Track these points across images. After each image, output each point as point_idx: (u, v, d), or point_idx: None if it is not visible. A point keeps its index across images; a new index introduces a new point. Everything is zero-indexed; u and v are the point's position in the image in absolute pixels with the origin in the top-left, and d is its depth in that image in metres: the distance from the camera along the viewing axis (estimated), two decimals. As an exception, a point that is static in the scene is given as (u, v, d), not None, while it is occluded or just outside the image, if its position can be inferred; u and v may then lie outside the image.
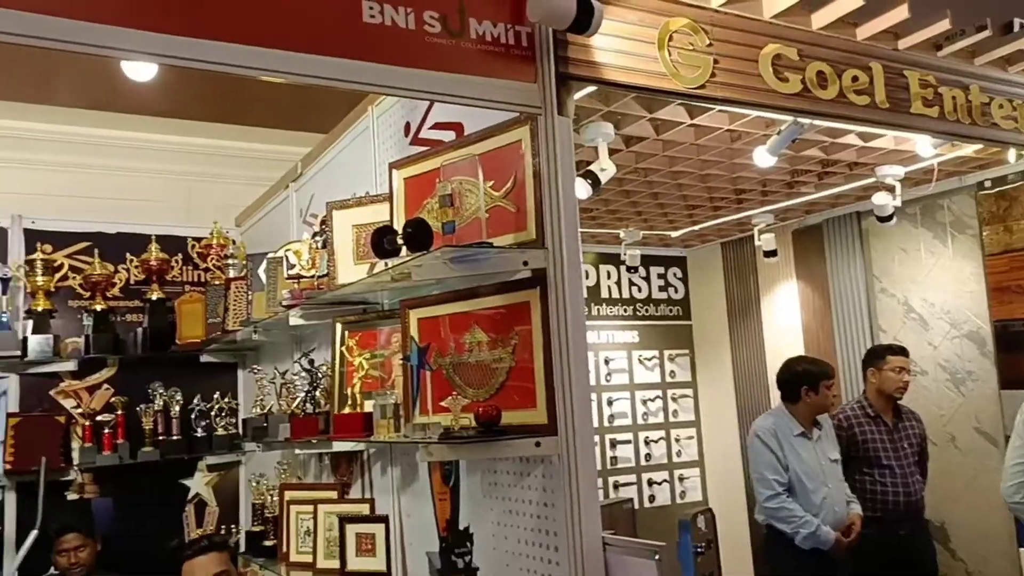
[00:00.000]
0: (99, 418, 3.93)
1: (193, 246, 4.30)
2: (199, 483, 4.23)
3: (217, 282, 4.15)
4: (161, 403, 4.06)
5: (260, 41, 1.67)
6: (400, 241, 2.10)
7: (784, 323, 4.70)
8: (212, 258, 4.18)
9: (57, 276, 3.96)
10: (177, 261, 4.28)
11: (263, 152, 4.75)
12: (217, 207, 4.43)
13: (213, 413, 4.16)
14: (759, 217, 4.36)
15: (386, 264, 2.18)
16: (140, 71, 3.10)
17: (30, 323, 3.87)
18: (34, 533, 3.29)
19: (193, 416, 4.13)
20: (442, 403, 2.03)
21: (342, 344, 2.62)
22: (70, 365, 3.96)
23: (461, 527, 2.20)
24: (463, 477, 2.31)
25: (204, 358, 4.19)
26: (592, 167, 2.71)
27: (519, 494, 2.07)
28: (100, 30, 1.55)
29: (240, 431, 4.16)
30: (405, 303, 2.31)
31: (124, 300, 4.19)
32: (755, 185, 3.83)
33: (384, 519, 2.67)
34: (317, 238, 2.65)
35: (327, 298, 2.54)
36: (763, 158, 2.91)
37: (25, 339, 3.80)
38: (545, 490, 1.97)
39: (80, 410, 3.97)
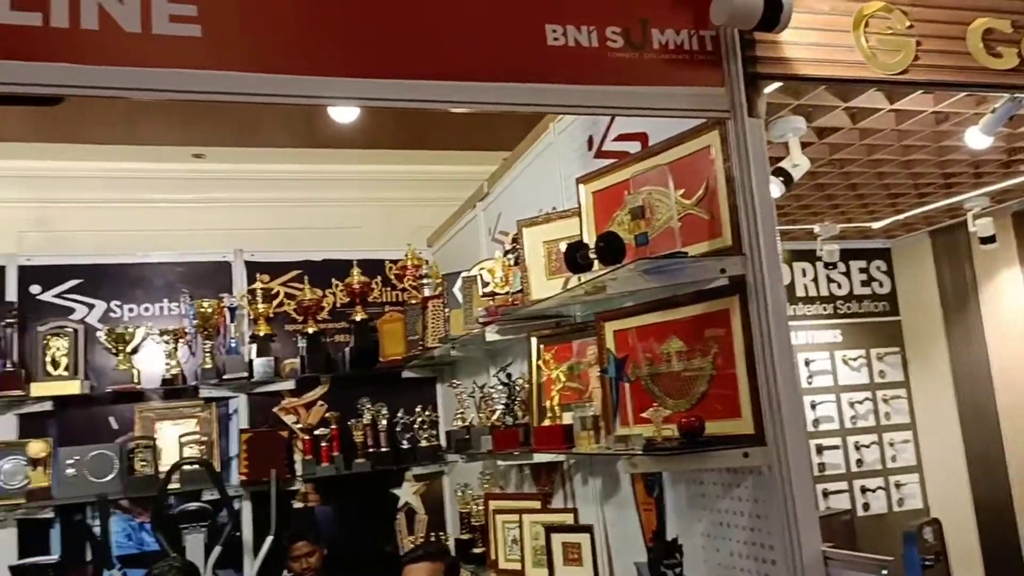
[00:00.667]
0: (316, 432, 4.24)
1: (390, 268, 4.55)
2: (407, 492, 4.47)
3: (414, 301, 4.36)
4: (369, 417, 4.32)
5: (450, 75, 1.75)
6: (592, 255, 2.12)
7: (1009, 315, 4.29)
8: (408, 279, 4.39)
9: (274, 303, 4.31)
10: (377, 283, 4.54)
11: (451, 173, 4.94)
12: (411, 229, 4.66)
13: (416, 426, 4.37)
14: (973, 201, 4.00)
15: (579, 278, 2.20)
16: (344, 113, 3.33)
17: (254, 347, 4.23)
18: (269, 539, 3.58)
19: (398, 429, 4.37)
20: (643, 414, 2.03)
21: (538, 358, 2.68)
22: (289, 384, 4.30)
23: (669, 538, 2.17)
24: (667, 488, 2.29)
25: (405, 374, 4.42)
26: (783, 164, 2.61)
27: (728, 505, 2.03)
28: (310, 82, 1.69)
29: (442, 443, 4.36)
30: (600, 316, 2.33)
31: (332, 322, 4.49)
32: (966, 168, 3.53)
33: (589, 529, 2.70)
34: (509, 256, 2.72)
35: (522, 314, 2.60)
36: (977, 139, 2.69)
37: (251, 362, 4.16)
38: (756, 501, 1.92)
39: (299, 425, 4.31)
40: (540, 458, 2.81)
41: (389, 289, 4.61)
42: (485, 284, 2.78)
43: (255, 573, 3.69)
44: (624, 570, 2.56)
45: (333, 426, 4.26)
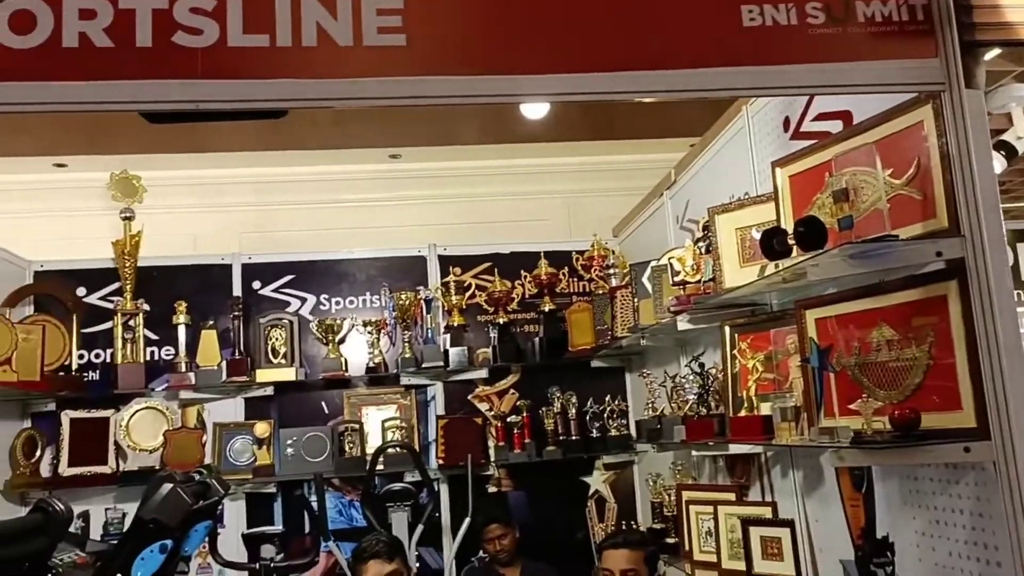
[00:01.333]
0: (509, 419, 4.37)
1: (576, 259, 4.60)
2: (598, 481, 4.51)
3: (601, 292, 4.39)
4: (559, 406, 4.40)
5: (642, 65, 1.75)
6: (791, 241, 2.06)
7: None
8: (595, 269, 4.43)
9: (467, 295, 4.49)
10: (564, 274, 4.60)
11: (636, 163, 4.93)
12: (596, 220, 4.70)
13: (606, 415, 4.41)
14: None
15: (776, 265, 2.14)
16: (535, 109, 3.41)
17: (448, 337, 4.42)
18: (467, 522, 3.74)
19: (588, 418, 4.42)
20: (850, 406, 1.94)
21: (732, 347, 2.62)
22: (482, 373, 4.46)
23: (879, 536, 2.07)
24: (877, 482, 2.18)
25: (594, 363, 4.45)
26: (1006, 136, 2.40)
27: (946, 502, 1.90)
28: (506, 81, 1.75)
29: (632, 432, 4.37)
30: (800, 303, 2.25)
31: (521, 313, 4.60)
32: None
33: (790, 523, 2.62)
34: (699, 244, 2.69)
35: (714, 302, 2.57)
36: None
37: (446, 351, 4.35)
38: (979, 499, 1.79)
39: (492, 412, 4.46)
40: (736, 449, 2.75)
41: (576, 280, 4.67)
42: (675, 273, 2.76)
43: (453, 552, 3.86)
44: (829, 567, 2.46)
45: (525, 414, 4.38)
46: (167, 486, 2.79)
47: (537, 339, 4.48)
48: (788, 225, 2.22)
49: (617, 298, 3.67)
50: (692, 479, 3.43)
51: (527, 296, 4.61)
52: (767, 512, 2.77)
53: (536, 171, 4.99)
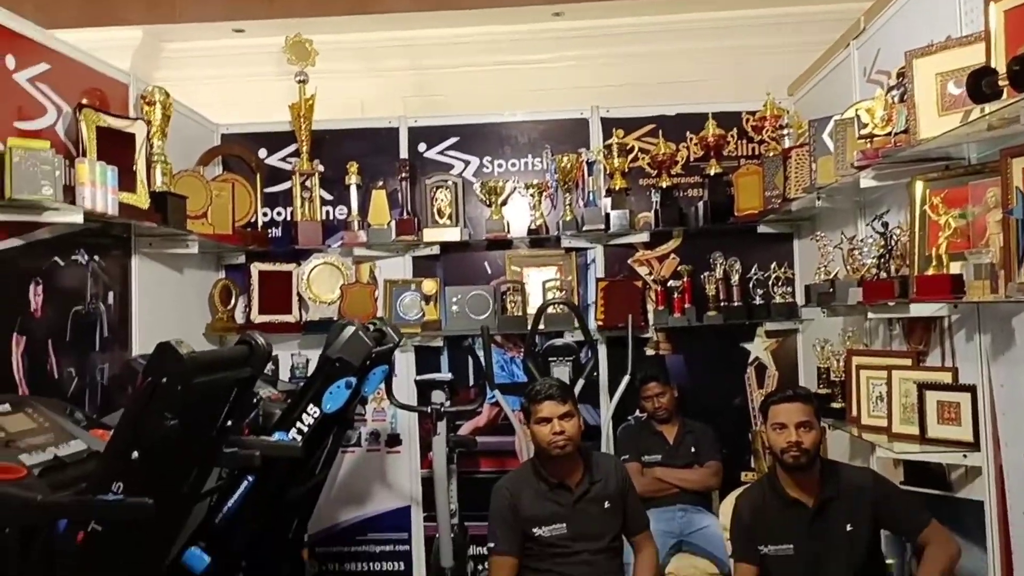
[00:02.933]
0: (669, 284, 4.35)
1: (747, 120, 4.39)
2: (759, 347, 4.46)
3: (772, 154, 4.20)
4: (721, 271, 4.33)
5: None
6: (1002, 82, 1.87)
7: None
8: (767, 130, 4.21)
9: (629, 157, 4.41)
10: (732, 136, 4.42)
11: (812, 15, 4.58)
12: (767, 79, 4.42)
13: (771, 282, 4.31)
14: None
15: (982, 110, 1.96)
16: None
17: (609, 201, 4.40)
18: (626, 379, 3.82)
19: (751, 284, 4.33)
20: (1059, 260, 1.80)
21: (923, 203, 2.46)
22: (643, 237, 4.43)
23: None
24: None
25: (761, 228, 4.31)
26: None
27: None
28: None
29: (797, 299, 4.26)
30: (1007, 151, 2.06)
31: (685, 176, 4.49)
32: None
33: (971, 388, 2.51)
34: (892, 93, 2.49)
35: (906, 155, 2.40)
36: None
37: (607, 215, 4.34)
38: None
39: (652, 277, 4.45)
40: (917, 311, 2.62)
41: (745, 142, 4.48)
42: (863, 126, 2.59)
43: (611, 410, 3.96)
44: (1012, 431, 2.35)
45: (685, 279, 4.34)
46: (350, 329, 3.02)
47: (701, 203, 4.38)
48: (999, 67, 2.01)
49: (792, 159, 3.50)
50: (864, 345, 3.32)
51: (692, 159, 4.48)
52: (946, 377, 2.65)
53: (704, 27, 4.73)
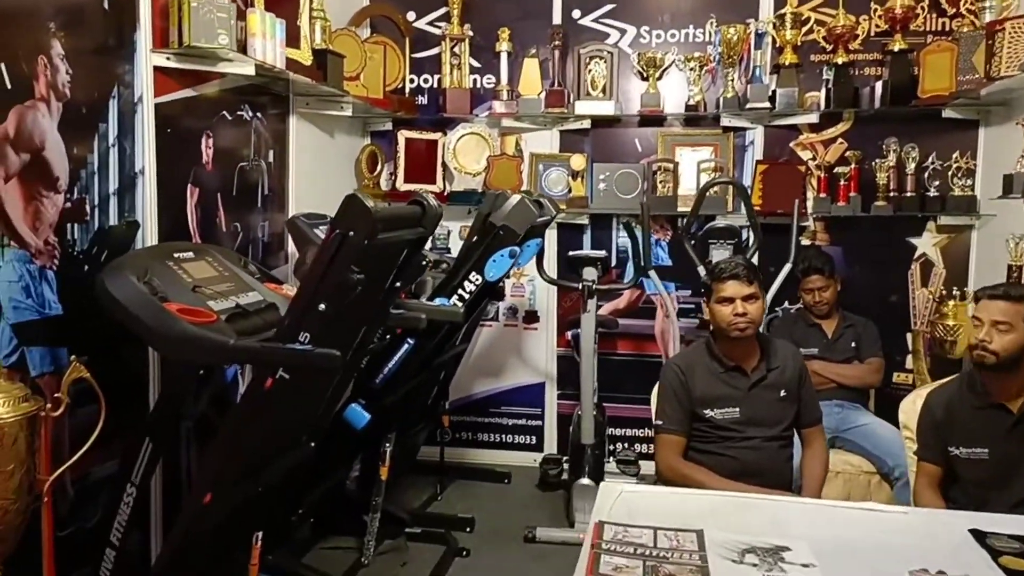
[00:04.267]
0: (836, 170, 4.06)
1: (942, -10, 3.95)
2: (927, 243, 4.16)
3: (967, 29, 3.79)
4: (894, 159, 4.01)
5: None
6: None
7: None
8: (966, 2, 3.78)
9: (803, 30, 4.06)
10: (923, 7, 4.00)
11: None
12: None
13: (950, 173, 3.97)
14: None
15: None
16: None
17: (776, 77, 4.09)
18: (787, 268, 3.62)
19: (926, 174, 4.00)
20: None
21: None
22: (811, 118, 4.12)
23: None
24: None
25: (946, 113, 3.93)
26: None
27: None
28: None
29: (977, 193, 3.92)
30: None
31: (863, 53, 4.12)
32: None
33: None
34: None
35: None
36: None
37: (774, 92, 4.04)
38: None
39: (816, 162, 4.16)
40: None
41: (934, 16, 4.04)
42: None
43: (770, 299, 3.74)
44: None
45: (853, 165, 4.04)
46: (516, 197, 2.93)
47: (879, 83, 4.01)
48: None
49: (1006, 31, 3.11)
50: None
51: (872, 34, 4.09)
52: None
53: None
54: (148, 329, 2.11)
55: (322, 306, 2.07)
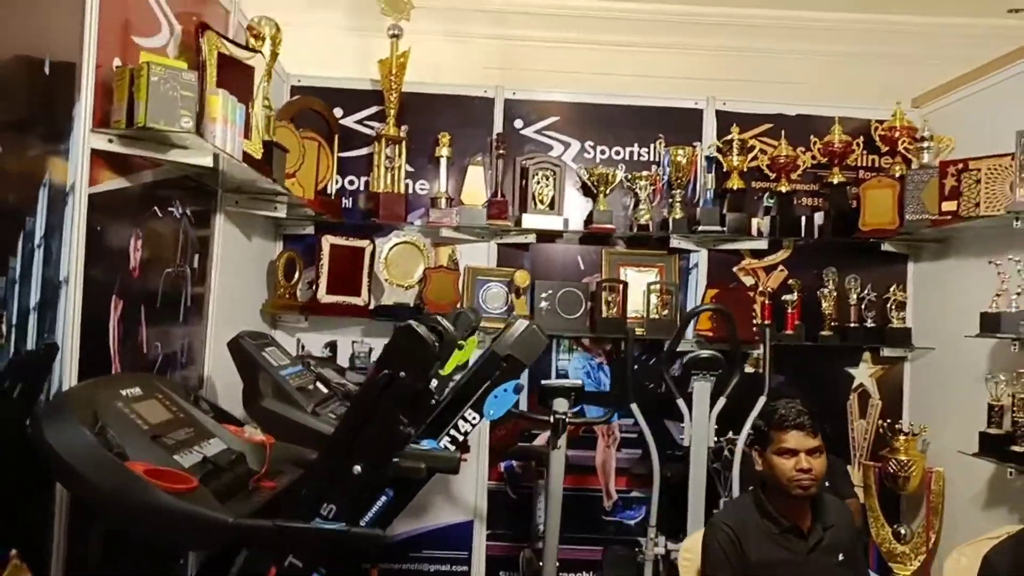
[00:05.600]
0: (783, 297, 4.00)
1: (875, 128, 4.08)
2: (864, 374, 4.15)
3: (898, 169, 3.93)
4: (834, 288, 4.01)
5: None
6: None
7: None
8: (903, 142, 3.91)
9: (749, 156, 4.04)
10: (858, 144, 4.10)
11: (943, 27, 4.31)
12: (895, 89, 4.13)
13: (889, 305, 4.01)
14: None
15: None
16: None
17: (725, 201, 4.03)
18: (762, 400, 3.43)
19: (863, 305, 4.02)
20: None
21: None
22: (759, 244, 4.06)
23: None
24: None
25: (885, 247, 4.00)
26: None
27: None
28: None
29: (910, 325, 3.98)
30: None
31: (800, 183, 4.16)
32: None
33: None
34: None
35: None
36: None
37: (723, 216, 3.96)
38: None
39: (759, 288, 4.09)
40: None
41: (866, 153, 4.17)
42: None
43: (744, 436, 3.50)
44: None
45: (797, 293, 4.00)
46: (523, 323, 2.55)
47: (819, 213, 4.04)
48: None
49: (982, 171, 3.16)
50: (1047, 384, 3.03)
51: (809, 166, 4.14)
52: None
53: (831, 27, 4.39)
54: (110, 501, 1.55)
55: (358, 468, 1.59)
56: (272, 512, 1.65)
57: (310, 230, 3.97)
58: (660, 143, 4.09)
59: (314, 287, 3.87)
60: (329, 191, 3.94)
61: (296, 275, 3.89)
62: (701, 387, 3.32)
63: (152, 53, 2.37)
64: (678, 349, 3.78)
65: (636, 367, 3.97)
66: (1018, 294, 3.03)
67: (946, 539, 3.74)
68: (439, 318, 2.09)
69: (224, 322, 3.13)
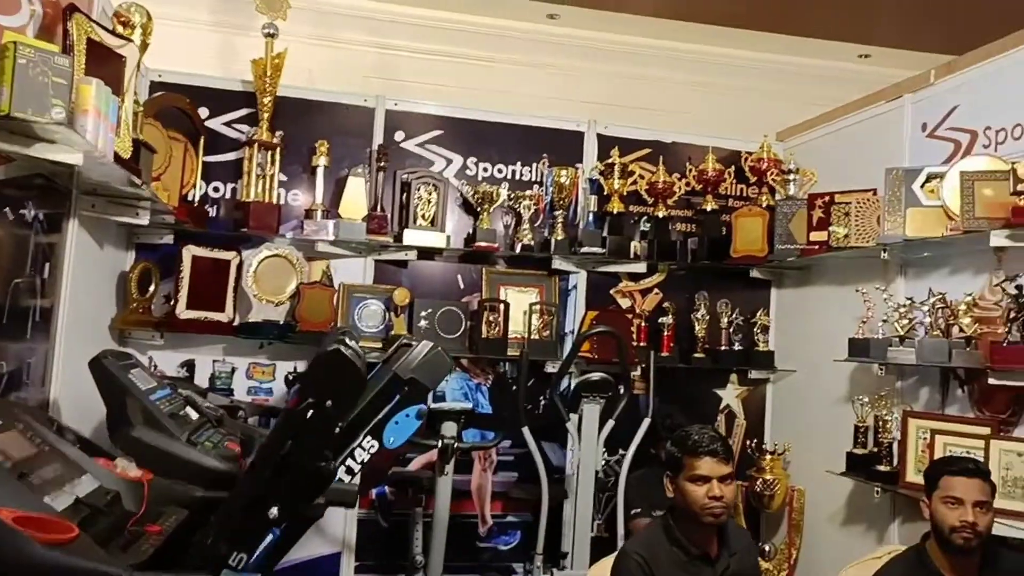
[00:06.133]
0: (660, 320, 4.07)
1: (745, 159, 4.24)
2: (731, 395, 4.29)
3: (764, 199, 4.10)
4: (706, 312, 4.12)
5: None
6: None
7: None
8: (771, 174, 4.08)
9: (629, 180, 4.09)
10: (729, 174, 4.25)
11: (804, 67, 4.57)
12: (754, 122, 4.34)
13: (756, 328, 4.16)
14: None
15: None
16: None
17: (607, 224, 4.06)
18: (646, 423, 3.45)
19: (731, 329, 4.16)
20: None
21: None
22: (640, 267, 4.11)
23: None
24: None
25: (754, 273, 4.16)
26: None
27: None
28: None
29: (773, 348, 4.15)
30: None
31: (675, 209, 4.25)
32: None
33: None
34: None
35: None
36: None
37: (605, 238, 3.99)
38: None
39: (635, 311, 4.14)
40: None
41: (735, 182, 4.33)
42: (1020, 180, 2.45)
43: (630, 457, 3.50)
44: None
45: (671, 316, 4.08)
46: (427, 344, 2.42)
47: (694, 240, 4.15)
48: None
49: (854, 204, 3.33)
50: (909, 406, 3.22)
51: (683, 192, 4.25)
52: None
53: (699, 60, 4.55)
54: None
55: (274, 511, 1.41)
56: (168, 562, 1.43)
57: (168, 239, 3.63)
58: (544, 163, 4.07)
59: (172, 301, 3.54)
60: (192, 198, 3.62)
61: (151, 288, 3.54)
62: (591, 410, 3.29)
63: (11, 33, 2.07)
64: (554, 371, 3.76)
65: (515, 388, 3.91)
66: (884, 321, 3.20)
67: (806, 555, 3.91)
68: (346, 339, 1.92)
69: (73, 340, 2.78)
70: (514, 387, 3.93)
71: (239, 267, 3.66)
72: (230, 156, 3.78)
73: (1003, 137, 2.90)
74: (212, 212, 3.77)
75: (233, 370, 3.77)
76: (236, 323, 3.66)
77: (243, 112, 3.79)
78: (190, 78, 3.76)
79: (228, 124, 3.81)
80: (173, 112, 3.59)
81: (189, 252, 3.56)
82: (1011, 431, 2.80)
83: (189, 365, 3.72)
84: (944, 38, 4.42)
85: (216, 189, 3.79)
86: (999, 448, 2.69)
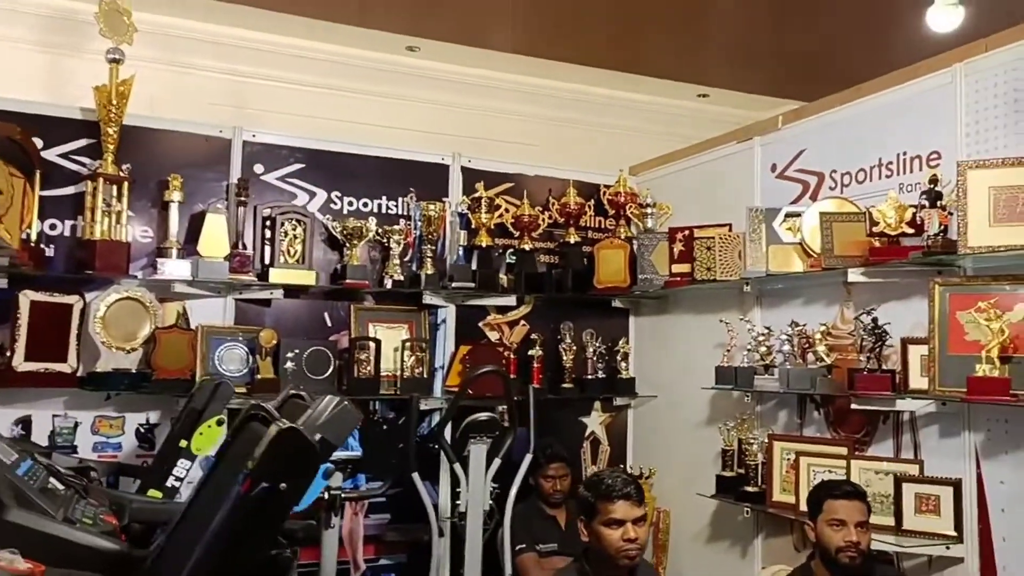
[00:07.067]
0: (530, 352, 4.10)
1: (603, 192, 4.39)
2: (595, 422, 4.41)
3: (623, 232, 4.25)
4: (572, 343, 4.21)
5: None
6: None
7: None
8: (630, 207, 4.25)
9: (495, 214, 4.12)
10: (589, 207, 4.38)
11: (649, 104, 4.80)
12: (628, 158, 4.51)
13: (619, 357, 4.30)
14: None
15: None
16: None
17: (476, 258, 4.05)
18: (528, 458, 3.46)
19: (593, 358, 4.27)
20: None
21: (943, 305, 2.61)
22: (509, 300, 4.13)
23: None
24: None
25: (616, 303, 4.30)
26: None
27: None
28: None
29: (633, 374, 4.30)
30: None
31: (539, 241, 4.32)
32: None
33: (955, 483, 2.69)
34: (923, 197, 2.63)
35: (954, 258, 2.54)
36: None
37: (475, 272, 3.98)
38: None
39: (504, 343, 4.16)
40: (906, 407, 2.77)
41: (594, 215, 4.46)
42: (874, 223, 2.70)
43: (515, 490, 3.47)
44: (1012, 526, 2.56)
45: (539, 347, 4.14)
46: (332, 398, 2.29)
47: (559, 271, 4.24)
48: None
49: (717, 240, 3.52)
50: (772, 430, 3.43)
51: (546, 224, 4.33)
52: (912, 469, 2.82)
53: (573, 97, 4.67)
54: None
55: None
56: None
57: (2, 283, 3.25)
58: (411, 197, 4.01)
59: (8, 353, 3.17)
60: (28, 237, 3.27)
61: (-18, 339, 3.16)
62: (478, 450, 3.26)
63: None
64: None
65: (386, 427, 3.83)
66: (748, 350, 3.41)
67: (672, 573, 4.07)
68: (261, 404, 1.79)
69: None
70: (384, 426, 3.85)
71: (83, 312, 3.34)
72: (68, 190, 3.45)
73: (848, 180, 3.18)
74: (49, 252, 3.42)
75: (76, 425, 3.43)
76: (81, 374, 3.33)
77: (83, 142, 3.47)
78: (20, 104, 3.40)
79: (65, 156, 3.47)
80: (2, 142, 3.23)
81: (27, 298, 3.21)
82: (865, 449, 3.05)
83: (25, 422, 3.35)
84: (770, 82, 4.80)
85: (53, 227, 3.44)
86: (858, 467, 2.93)
